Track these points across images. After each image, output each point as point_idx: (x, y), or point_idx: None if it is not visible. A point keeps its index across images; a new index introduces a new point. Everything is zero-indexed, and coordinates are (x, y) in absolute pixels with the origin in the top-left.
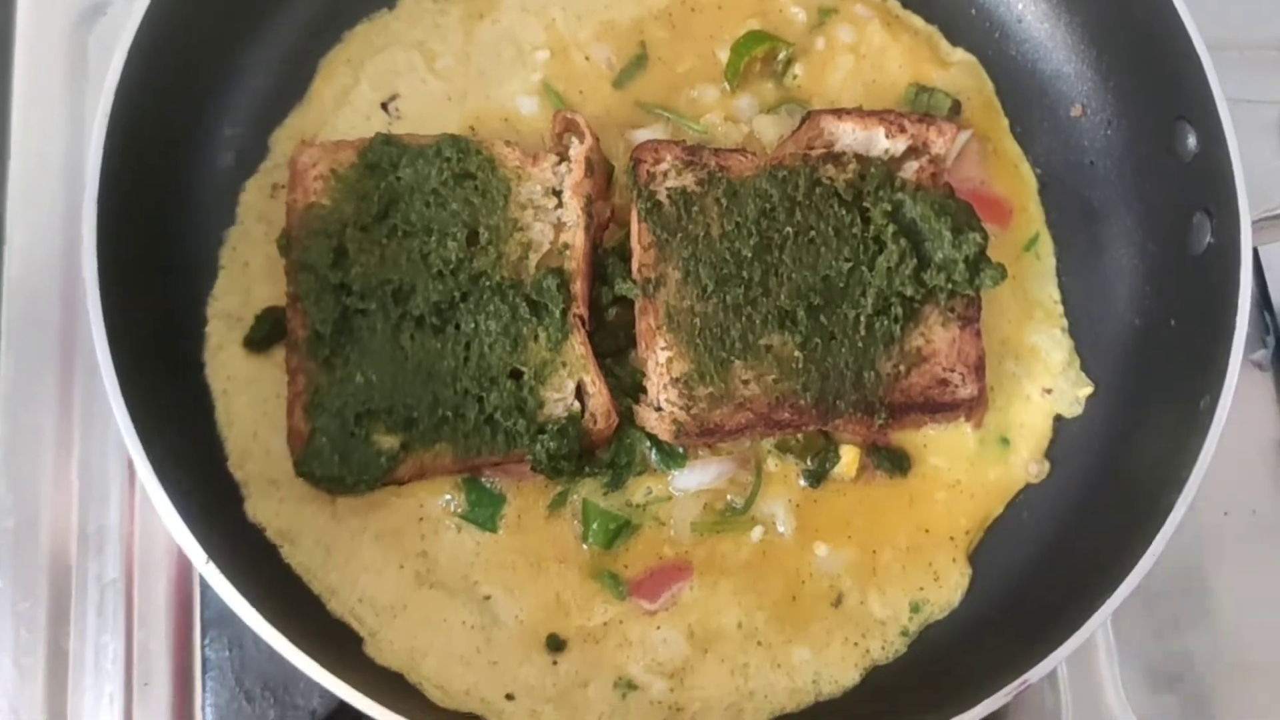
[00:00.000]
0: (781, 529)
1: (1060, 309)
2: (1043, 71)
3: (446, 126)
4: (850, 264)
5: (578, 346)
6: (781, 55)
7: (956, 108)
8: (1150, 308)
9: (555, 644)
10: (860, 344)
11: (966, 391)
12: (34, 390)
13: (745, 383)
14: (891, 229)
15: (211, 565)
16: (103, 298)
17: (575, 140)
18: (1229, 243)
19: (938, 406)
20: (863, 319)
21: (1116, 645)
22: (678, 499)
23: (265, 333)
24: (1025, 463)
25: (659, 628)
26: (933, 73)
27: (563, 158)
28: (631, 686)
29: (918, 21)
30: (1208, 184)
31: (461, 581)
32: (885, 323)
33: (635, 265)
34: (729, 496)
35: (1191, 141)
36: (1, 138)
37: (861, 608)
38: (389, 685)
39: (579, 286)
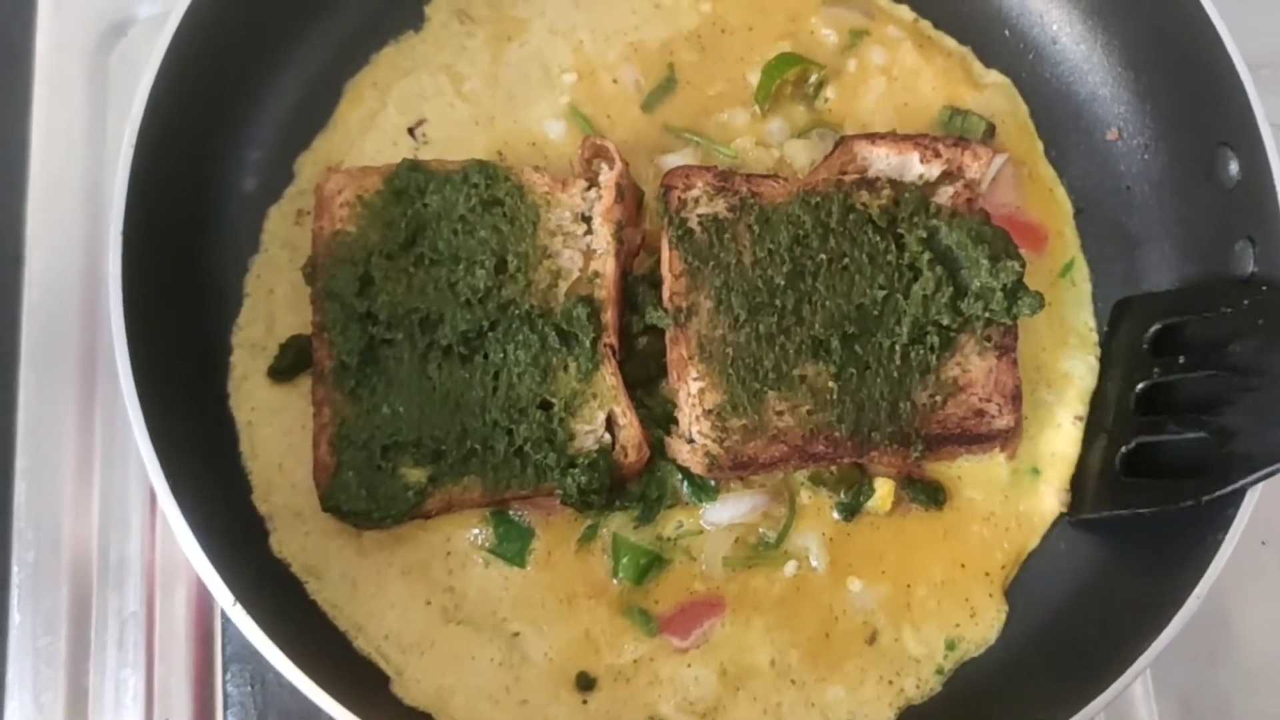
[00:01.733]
0: (815, 563)
1: (1095, 336)
2: (1078, 94)
3: (474, 151)
4: (885, 292)
5: (608, 377)
6: (813, 78)
7: (991, 131)
8: None
9: (585, 682)
10: (896, 374)
11: (1003, 422)
12: (54, 420)
13: (779, 414)
14: (927, 256)
15: (239, 607)
16: (127, 327)
17: (604, 165)
18: (1272, 272)
19: (974, 438)
20: (898, 348)
21: (1153, 680)
22: (709, 533)
23: (290, 362)
24: (1057, 493)
25: (690, 665)
26: (966, 95)
27: (592, 183)
28: None
29: (950, 43)
30: (1250, 212)
31: (489, 618)
32: (921, 352)
33: (666, 294)
34: (761, 530)
35: (1234, 168)
36: (21, 158)
37: (896, 645)
38: None
39: (609, 315)
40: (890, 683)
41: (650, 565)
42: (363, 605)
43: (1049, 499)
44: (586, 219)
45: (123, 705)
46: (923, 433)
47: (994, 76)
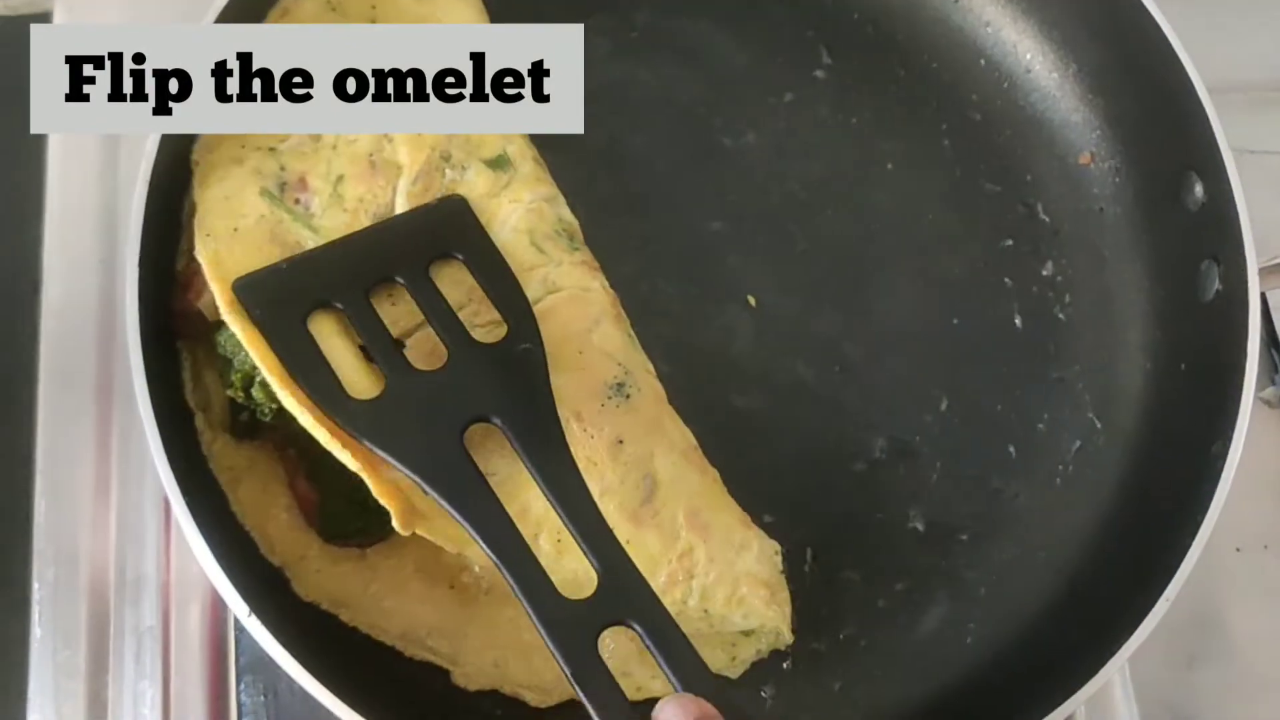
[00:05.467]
0: None
1: None
2: (1051, 120)
3: None
4: None
5: None
6: None
7: None
8: (1161, 353)
9: None
10: None
11: None
12: (72, 443)
13: None
14: None
15: (254, 618)
16: (145, 366)
17: None
18: (1237, 290)
19: None
20: None
21: (1133, 684)
22: None
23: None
24: None
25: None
26: None
27: None
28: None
29: None
30: (1215, 233)
31: None
32: None
33: None
34: None
35: (1199, 191)
36: (38, 191)
37: None
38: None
39: None
40: None
41: None
42: (395, 615)
43: None
44: None
45: (141, 716)
46: None
47: None
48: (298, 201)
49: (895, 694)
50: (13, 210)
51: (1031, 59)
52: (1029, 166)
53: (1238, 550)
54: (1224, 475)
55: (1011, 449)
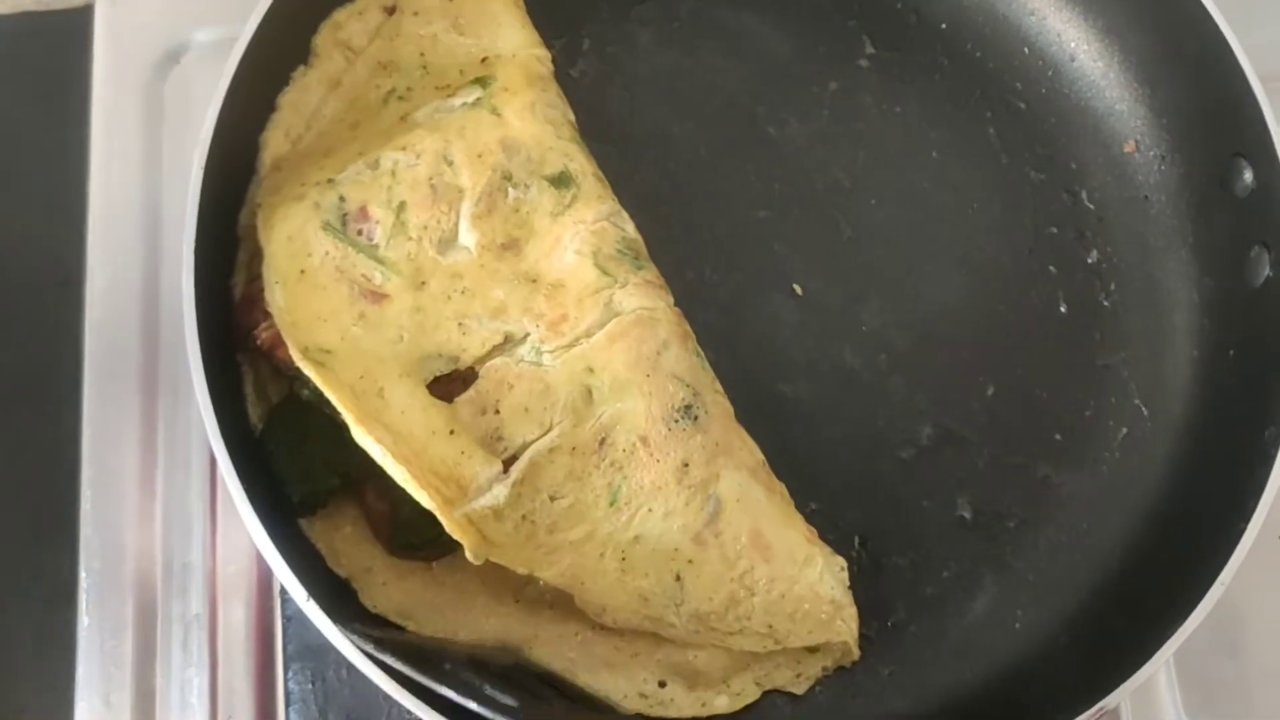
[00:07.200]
0: None
1: None
2: (1096, 109)
3: None
4: None
5: None
6: None
7: None
8: (1209, 340)
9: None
10: None
11: None
12: (118, 433)
13: None
14: None
15: (312, 603)
16: (202, 346)
17: None
18: None
19: None
20: None
21: (1177, 672)
22: None
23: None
24: None
25: None
26: None
27: None
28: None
29: None
30: (1265, 218)
31: None
32: None
33: None
34: None
35: (1248, 177)
36: (81, 185)
37: None
38: None
39: None
40: None
41: None
42: (462, 628)
43: None
44: None
45: (188, 705)
46: None
47: None
48: (360, 233)
49: (943, 680)
50: (57, 200)
51: (1076, 47)
52: (1073, 155)
53: None
54: (1278, 461)
55: (1058, 436)
